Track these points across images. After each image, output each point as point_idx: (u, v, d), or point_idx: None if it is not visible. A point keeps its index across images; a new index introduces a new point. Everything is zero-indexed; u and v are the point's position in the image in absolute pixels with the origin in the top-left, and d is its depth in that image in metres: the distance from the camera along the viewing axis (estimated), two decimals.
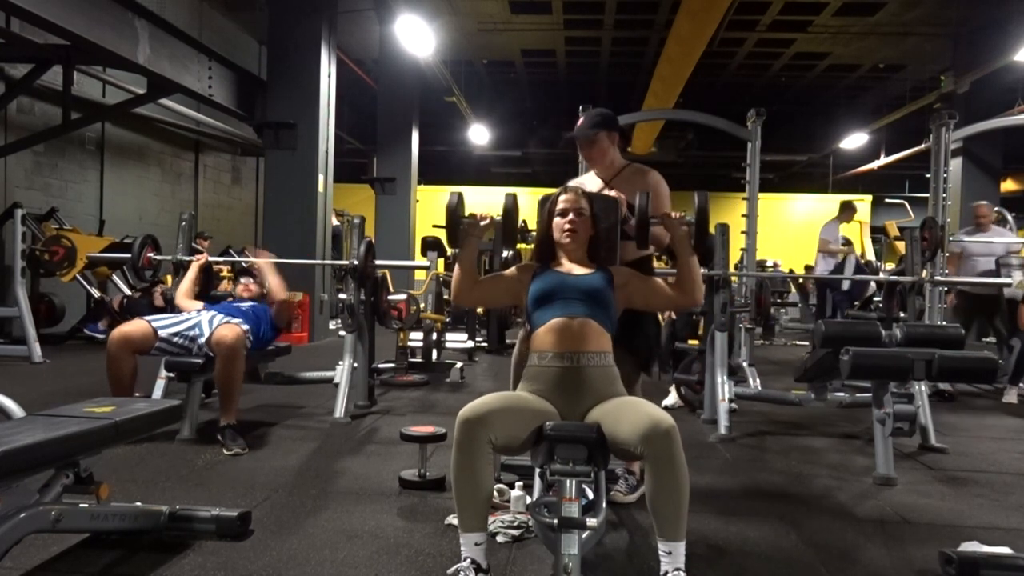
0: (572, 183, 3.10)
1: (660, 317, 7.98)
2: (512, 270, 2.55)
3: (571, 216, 2.41)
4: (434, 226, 10.91)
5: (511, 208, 2.47)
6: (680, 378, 5.10)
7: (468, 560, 1.99)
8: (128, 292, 8.05)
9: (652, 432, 1.93)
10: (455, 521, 2.56)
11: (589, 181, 3.11)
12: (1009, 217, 8.63)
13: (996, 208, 9.05)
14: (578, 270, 2.40)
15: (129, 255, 4.74)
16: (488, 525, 2.50)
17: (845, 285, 8.18)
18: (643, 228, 2.45)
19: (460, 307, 2.31)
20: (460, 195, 2.41)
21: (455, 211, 2.37)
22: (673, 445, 1.93)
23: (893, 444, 3.47)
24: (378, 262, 4.90)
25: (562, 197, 2.46)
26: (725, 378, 4.34)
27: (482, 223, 2.40)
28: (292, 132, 8.62)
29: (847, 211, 8.33)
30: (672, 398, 5.15)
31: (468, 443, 1.98)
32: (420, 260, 9.28)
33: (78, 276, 7.44)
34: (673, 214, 2.42)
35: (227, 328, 3.74)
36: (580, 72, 15.78)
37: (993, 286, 6.13)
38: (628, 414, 2.05)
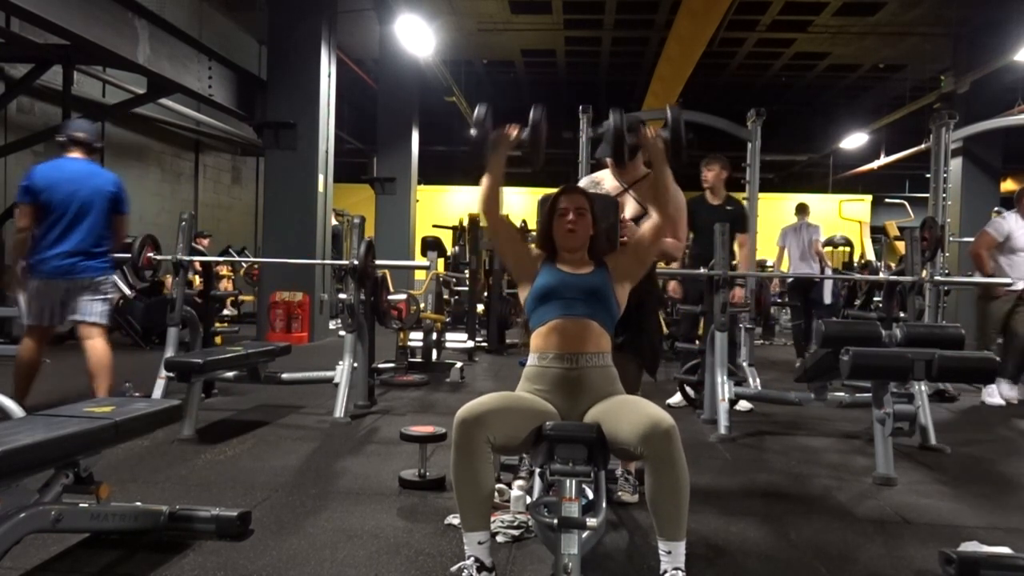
0: (587, 180, 3.11)
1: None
2: (532, 247, 2.56)
3: (571, 216, 2.41)
4: (434, 226, 10.93)
5: (539, 121, 2.48)
6: (680, 377, 5.10)
7: (472, 558, 2.00)
8: (127, 292, 8.06)
9: (652, 432, 1.93)
10: (455, 521, 2.57)
11: (606, 179, 3.06)
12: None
13: (996, 208, 9.04)
14: (579, 269, 2.40)
15: (129, 255, 4.75)
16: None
17: (828, 299, 8.00)
18: (619, 142, 2.48)
19: (485, 215, 2.38)
20: (488, 106, 2.43)
21: (483, 123, 2.39)
22: (673, 445, 1.93)
23: (893, 444, 3.47)
24: (378, 262, 4.90)
25: (563, 196, 2.46)
26: (725, 378, 4.34)
27: (512, 136, 2.43)
28: (292, 132, 8.62)
29: (806, 211, 8.15)
30: (677, 397, 5.15)
31: (466, 444, 1.98)
32: (420, 260, 9.29)
33: None
34: (648, 131, 2.48)
35: None
36: (580, 72, 15.78)
37: None
38: (628, 414, 2.05)
